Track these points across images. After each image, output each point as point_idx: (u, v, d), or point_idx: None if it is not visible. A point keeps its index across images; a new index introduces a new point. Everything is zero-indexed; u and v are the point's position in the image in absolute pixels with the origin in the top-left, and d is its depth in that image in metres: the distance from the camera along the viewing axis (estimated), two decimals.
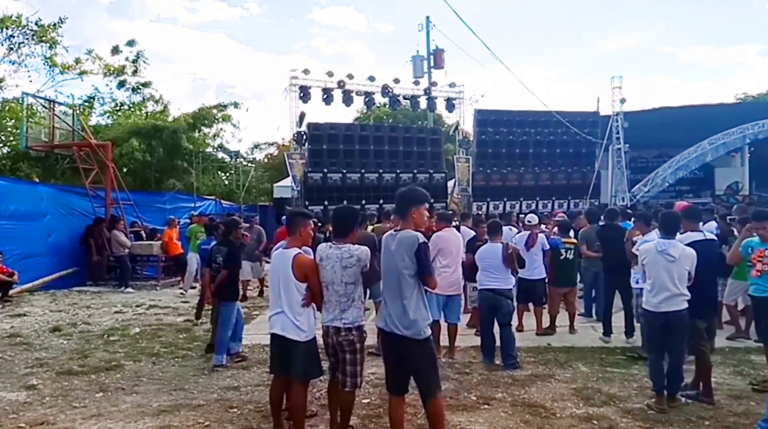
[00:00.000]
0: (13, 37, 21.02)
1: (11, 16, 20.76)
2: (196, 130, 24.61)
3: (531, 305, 8.13)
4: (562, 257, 8.09)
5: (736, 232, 7.60)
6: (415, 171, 18.72)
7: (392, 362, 4.05)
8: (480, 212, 18.46)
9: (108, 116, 25.41)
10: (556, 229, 9.15)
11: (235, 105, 26.50)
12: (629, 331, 7.44)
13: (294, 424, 4.42)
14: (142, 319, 9.61)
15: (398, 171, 18.46)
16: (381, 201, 17.12)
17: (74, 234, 13.85)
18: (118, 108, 25.80)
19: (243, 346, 7.51)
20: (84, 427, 4.77)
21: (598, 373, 6.15)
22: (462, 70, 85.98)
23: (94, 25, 50.41)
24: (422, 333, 3.89)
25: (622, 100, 21.96)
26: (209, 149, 26.65)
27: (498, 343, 6.62)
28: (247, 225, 11.03)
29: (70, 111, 17.09)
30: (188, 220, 14.42)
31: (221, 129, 27.02)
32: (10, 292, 11.32)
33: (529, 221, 8.29)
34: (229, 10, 70.33)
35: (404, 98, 20.88)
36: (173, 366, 6.71)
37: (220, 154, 28.40)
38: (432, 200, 4.35)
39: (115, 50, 24.50)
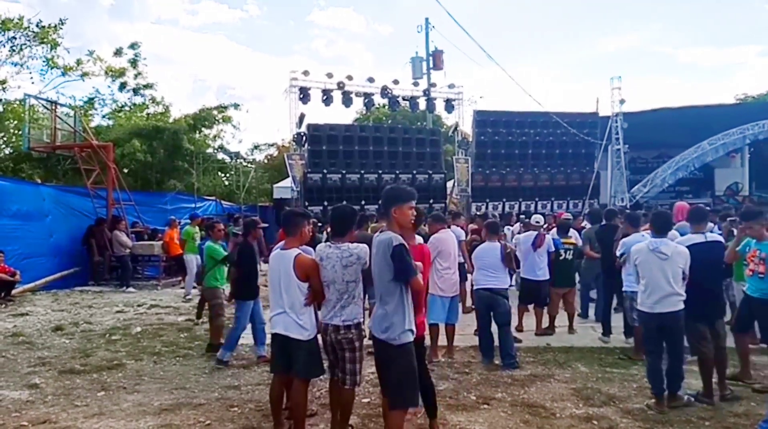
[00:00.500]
0: (15, 38, 21.19)
1: (13, 19, 20.91)
2: (197, 131, 24.74)
3: (531, 306, 8.11)
4: (561, 258, 8.08)
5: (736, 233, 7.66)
6: (414, 172, 18.79)
7: (378, 365, 4.06)
8: (479, 212, 18.52)
9: (109, 117, 25.53)
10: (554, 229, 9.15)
11: (236, 106, 26.75)
12: (628, 332, 7.38)
13: (294, 423, 4.43)
14: (143, 319, 9.67)
15: (397, 172, 18.54)
16: (380, 201, 17.14)
17: (76, 234, 13.94)
18: (119, 109, 25.90)
19: (243, 345, 7.58)
20: (86, 425, 4.81)
21: (597, 374, 6.14)
22: (461, 71, 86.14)
23: (95, 26, 50.58)
24: (397, 339, 3.78)
25: (622, 101, 21.98)
26: (210, 150, 26.75)
27: (496, 342, 6.61)
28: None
29: (72, 112, 17.18)
30: (188, 221, 14.48)
31: (221, 130, 27.29)
32: (13, 291, 11.40)
33: (537, 222, 8.26)
34: (229, 12, 70.55)
35: (403, 99, 20.98)
36: (174, 365, 6.76)
37: (221, 155, 28.53)
38: (417, 197, 4.24)
39: (118, 52, 24.65)
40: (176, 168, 22.46)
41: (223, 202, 21.92)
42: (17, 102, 21.15)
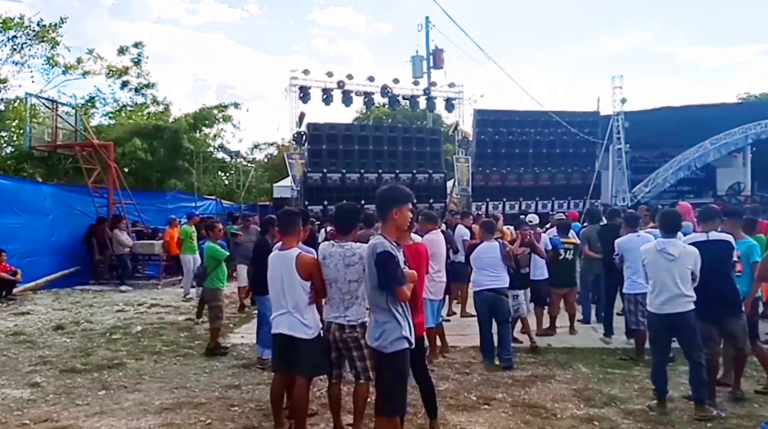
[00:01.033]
0: (16, 37, 21.24)
1: (14, 18, 20.98)
2: (197, 131, 24.77)
3: (531, 306, 8.00)
4: (561, 257, 8.03)
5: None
6: (414, 171, 18.76)
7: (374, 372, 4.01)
8: (479, 212, 18.53)
9: (110, 117, 25.55)
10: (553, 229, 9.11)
11: (236, 105, 26.73)
12: (630, 333, 7.26)
13: (295, 422, 4.42)
14: (143, 318, 9.70)
15: (397, 171, 18.50)
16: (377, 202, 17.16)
17: (77, 233, 13.98)
18: (120, 108, 25.94)
19: (243, 345, 7.65)
20: (87, 424, 4.83)
21: (599, 374, 6.12)
22: (461, 70, 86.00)
23: (96, 26, 50.59)
24: (388, 347, 3.62)
25: (623, 100, 21.96)
26: (210, 149, 26.76)
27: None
28: (242, 225, 10.96)
29: (73, 111, 17.20)
30: (187, 221, 14.51)
31: (222, 129, 27.25)
32: (14, 290, 11.45)
33: (530, 221, 8.26)
34: (230, 11, 70.42)
35: (403, 98, 20.97)
36: (175, 364, 6.78)
37: (221, 154, 28.53)
38: (415, 199, 4.12)
39: (122, 51, 24.69)
40: (176, 167, 22.47)
41: (223, 201, 21.95)
42: (18, 101, 21.17)
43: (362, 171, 18.16)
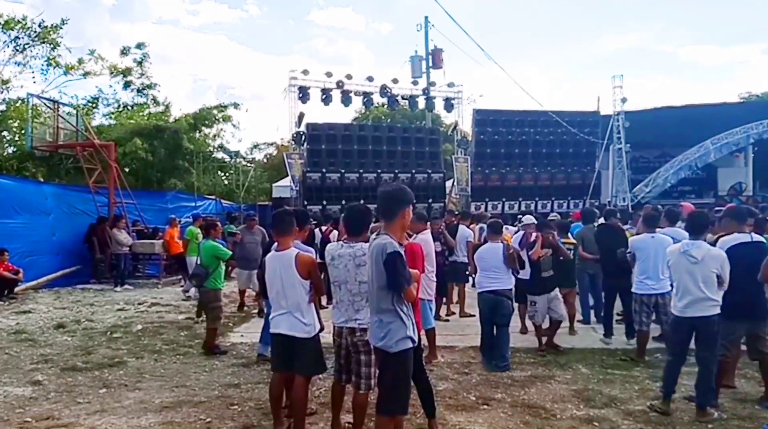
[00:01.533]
0: (18, 38, 21.34)
1: (15, 19, 21.06)
2: (197, 131, 24.86)
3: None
4: (561, 258, 7.89)
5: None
6: (413, 171, 18.76)
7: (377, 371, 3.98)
8: (480, 212, 18.55)
9: (111, 117, 25.64)
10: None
11: (235, 105, 26.83)
12: (630, 333, 7.31)
13: (294, 421, 4.44)
14: (144, 317, 9.76)
15: (396, 171, 18.51)
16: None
17: (78, 232, 14.05)
18: (121, 109, 26.02)
19: (243, 344, 7.69)
20: (88, 422, 4.88)
21: (598, 375, 6.10)
22: (461, 70, 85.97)
23: (96, 27, 50.66)
24: (393, 346, 3.61)
25: (623, 100, 21.86)
26: (209, 149, 26.83)
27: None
28: (244, 225, 10.71)
29: (74, 111, 17.26)
30: (189, 219, 14.56)
31: (221, 129, 27.31)
32: (16, 289, 11.52)
33: (523, 221, 8.25)
34: (229, 11, 70.51)
35: (403, 98, 20.96)
36: (175, 363, 6.83)
37: (220, 154, 28.57)
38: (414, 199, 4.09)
39: (124, 51, 24.79)
40: (177, 167, 22.54)
41: (222, 201, 21.99)
42: (20, 101, 21.26)
43: (361, 171, 18.17)
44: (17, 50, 21.56)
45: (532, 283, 6.79)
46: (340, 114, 59.42)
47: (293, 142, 19.29)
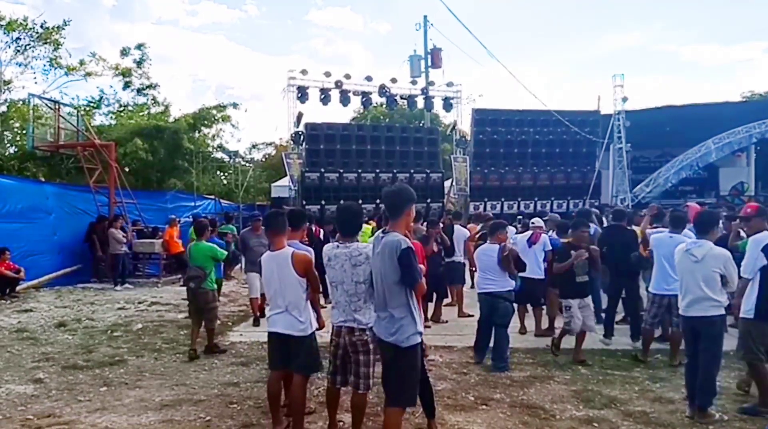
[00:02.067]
0: (20, 39, 21.47)
1: (17, 20, 21.20)
2: (197, 131, 24.95)
3: (530, 307, 8.05)
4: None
5: (743, 234, 7.27)
6: (412, 171, 18.78)
7: (382, 367, 3.97)
8: (477, 212, 18.60)
9: (111, 117, 25.74)
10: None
11: (234, 105, 26.89)
12: (635, 335, 7.27)
13: (293, 420, 4.45)
14: (144, 316, 9.82)
15: (395, 171, 18.53)
16: (377, 201, 17.21)
17: (79, 232, 14.12)
18: (122, 109, 26.12)
19: (242, 343, 7.73)
20: (89, 420, 4.93)
21: (598, 375, 6.07)
22: (460, 70, 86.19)
23: (97, 27, 50.74)
24: (405, 341, 3.69)
25: (624, 99, 21.88)
26: (209, 149, 26.93)
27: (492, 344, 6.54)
28: (248, 227, 10.12)
29: (75, 112, 17.35)
30: (189, 219, 14.62)
31: (220, 129, 27.42)
32: (17, 288, 11.59)
33: (533, 223, 8.29)
34: (228, 12, 70.53)
35: (401, 98, 21.03)
36: (175, 362, 6.88)
37: (220, 154, 28.65)
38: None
39: (124, 52, 24.90)
40: (176, 167, 22.63)
41: (222, 200, 22.06)
42: (22, 102, 21.39)
43: (360, 171, 18.22)
44: (18, 51, 21.70)
45: (566, 287, 6.51)
46: (339, 114, 59.34)
47: (292, 142, 19.38)
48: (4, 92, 21.93)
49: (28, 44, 21.80)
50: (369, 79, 19.89)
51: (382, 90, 20.09)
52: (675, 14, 74.27)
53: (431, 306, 8.58)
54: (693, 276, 4.74)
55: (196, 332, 7.17)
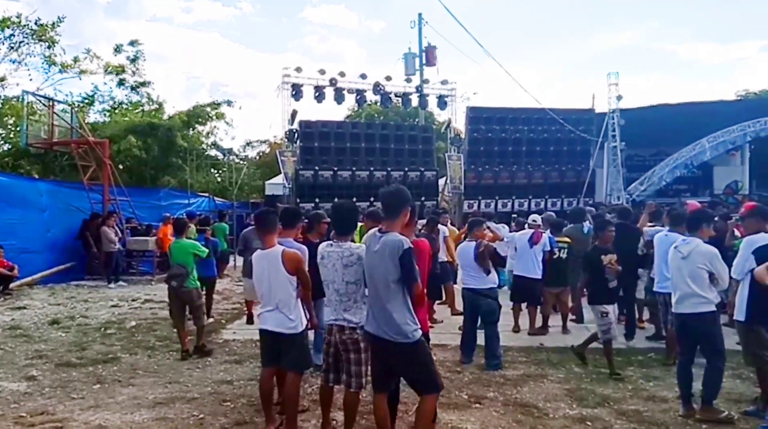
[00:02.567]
0: (14, 36, 21.38)
1: (11, 17, 21.13)
2: (191, 128, 24.89)
3: (524, 305, 8.07)
4: (555, 257, 7.98)
5: (737, 233, 7.36)
6: (406, 169, 18.82)
7: (379, 364, 3.96)
8: (473, 210, 18.61)
9: (105, 114, 25.67)
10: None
11: (229, 103, 26.77)
12: (629, 333, 7.29)
13: (286, 418, 4.45)
14: (137, 313, 9.81)
15: (389, 169, 18.57)
16: (372, 199, 17.16)
17: (72, 229, 14.13)
18: (116, 106, 26.05)
19: (235, 341, 7.72)
20: (82, 417, 4.92)
21: (591, 374, 6.07)
22: (455, 68, 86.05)
23: (91, 25, 50.58)
24: (410, 336, 3.74)
25: (619, 97, 21.93)
26: (203, 147, 26.85)
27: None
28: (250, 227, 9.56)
29: (69, 109, 17.30)
30: (183, 217, 14.58)
31: (215, 127, 27.32)
32: (11, 285, 11.57)
33: (534, 220, 8.30)
34: (223, 9, 70.56)
35: (396, 96, 21.10)
36: (168, 359, 6.88)
37: (214, 152, 28.58)
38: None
39: (118, 49, 24.81)
40: (170, 164, 22.61)
41: (215, 198, 22.04)
42: (16, 99, 21.28)
43: (354, 169, 18.25)
44: (12, 48, 21.60)
45: (600, 293, 6.13)
46: (333, 112, 59.30)
47: (286, 140, 19.38)
48: None
49: (22, 41, 21.69)
50: (363, 76, 19.91)
51: (377, 88, 20.11)
52: (670, 12, 74.71)
53: None
54: (680, 272, 4.78)
55: (183, 332, 7.08)
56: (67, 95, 23.92)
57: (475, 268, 6.47)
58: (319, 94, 19.11)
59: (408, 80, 21.20)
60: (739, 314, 4.82)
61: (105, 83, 25.72)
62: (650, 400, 5.27)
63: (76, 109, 18.62)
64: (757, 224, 5.03)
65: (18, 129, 18.93)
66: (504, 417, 4.86)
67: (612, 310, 6.17)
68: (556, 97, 78.53)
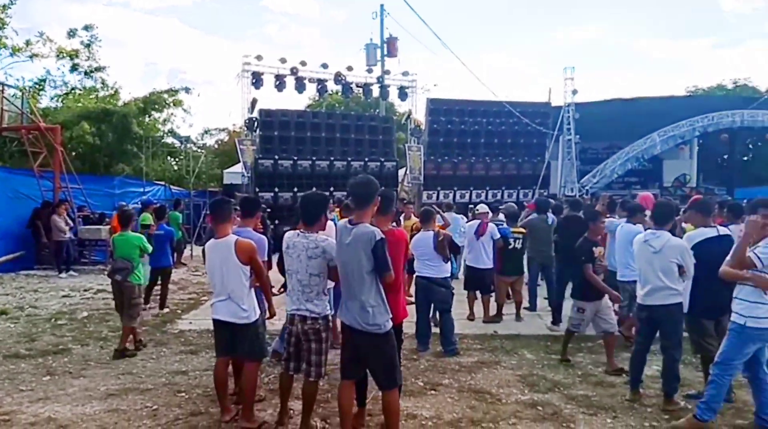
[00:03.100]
0: None
1: None
2: (147, 115, 24.40)
3: (478, 293, 8.17)
4: (510, 247, 8.10)
5: (684, 226, 7.66)
6: (366, 159, 18.82)
7: (350, 353, 4.00)
8: (431, 201, 18.78)
9: (58, 99, 24.86)
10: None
11: (187, 90, 26.43)
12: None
13: (243, 407, 4.46)
14: (89, 304, 9.61)
15: (349, 159, 18.55)
16: (332, 188, 17.13)
17: (22, 217, 13.67)
18: (69, 92, 25.23)
19: (191, 331, 7.65)
20: (31, 410, 4.83)
21: (543, 360, 6.24)
22: (416, 59, 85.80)
23: (44, 7, 48.73)
24: (383, 327, 3.81)
25: (574, 91, 22.37)
26: (159, 134, 26.34)
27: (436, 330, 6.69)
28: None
29: (20, 93, 16.68)
30: (138, 205, 14.30)
31: (172, 114, 26.95)
32: None
33: (478, 210, 8.37)
34: None
35: (357, 86, 21.07)
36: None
37: (170, 140, 28.04)
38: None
39: (71, 34, 24.00)
40: (125, 152, 22.11)
41: (172, 187, 21.62)
42: None
43: (314, 158, 18.16)
44: None
45: (584, 289, 5.99)
46: (294, 101, 58.49)
47: (245, 128, 19.15)
48: None
49: None
50: (325, 66, 19.81)
51: (338, 78, 20.04)
52: (628, 9, 76.33)
53: None
54: (651, 266, 4.82)
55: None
56: (18, 80, 23.13)
57: (432, 258, 6.55)
58: (280, 83, 18.93)
59: (369, 71, 21.17)
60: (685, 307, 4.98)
61: (58, 68, 24.94)
62: (599, 385, 5.44)
63: (27, 93, 17.91)
64: (697, 218, 5.20)
65: None
66: (458, 403, 4.96)
67: (590, 308, 5.99)
68: (516, 90, 79.86)
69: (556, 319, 7.69)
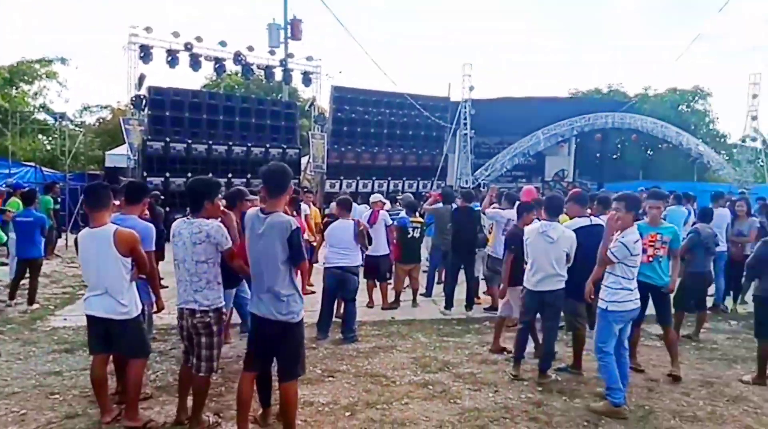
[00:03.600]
0: None
1: None
2: (14, 87, 22.12)
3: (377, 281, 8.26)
4: (409, 235, 8.39)
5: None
6: (268, 145, 18.15)
7: (260, 344, 3.92)
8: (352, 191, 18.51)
9: None
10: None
11: (63, 61, 24.24)
12: (470, 305, 8.05)
13: (126, 405, 4.24)
14: None
15: (249, 144, 17.77)
16: (230, 175, 16.42)
17: None
18: None
19: (66, 328, 6.94)
20: None
21: (435, 343, 6.56)
22: (320, 44, 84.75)
23: None
24: (297, 316, 3.81)
25: (471, 87, 23.32)
26: (29, 109, 24.07)
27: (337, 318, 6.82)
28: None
29: None
30: (2, 188, 12.72)
31: (44, 87, 24.74)
32: None
33: (372, 199, 8.53)
34: None
35: (258, 68, 20.36)
36: None
37: (42, 116, 25.64)
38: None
39: None
40: None
41: (44, 169, 19.58)
42: None
43: (210, 142, 17.16)
44: None
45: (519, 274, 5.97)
46: (188, 79, 54.74)
47: (132, 107, 17.79)
48: None
49: None
50: (223, 44, 18.86)
51: (238, 57, 19.17)
52: (528, 10, 79.90)
53: None
54: (547, 256, 5.20)
55: None
56: None
57: (348, 247, 6.67)
58: (172, 59, 17.68)
59: (272, 53, 20.47)
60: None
61: None
62: (483, 363, 5.84)
63: None
64: (575, 209, 5.76)
65: None
66: (355, 387, 5.10)
67: (514, 293, 6.05)
68: (419, 84, 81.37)
69: (449, 304, 8.07)
